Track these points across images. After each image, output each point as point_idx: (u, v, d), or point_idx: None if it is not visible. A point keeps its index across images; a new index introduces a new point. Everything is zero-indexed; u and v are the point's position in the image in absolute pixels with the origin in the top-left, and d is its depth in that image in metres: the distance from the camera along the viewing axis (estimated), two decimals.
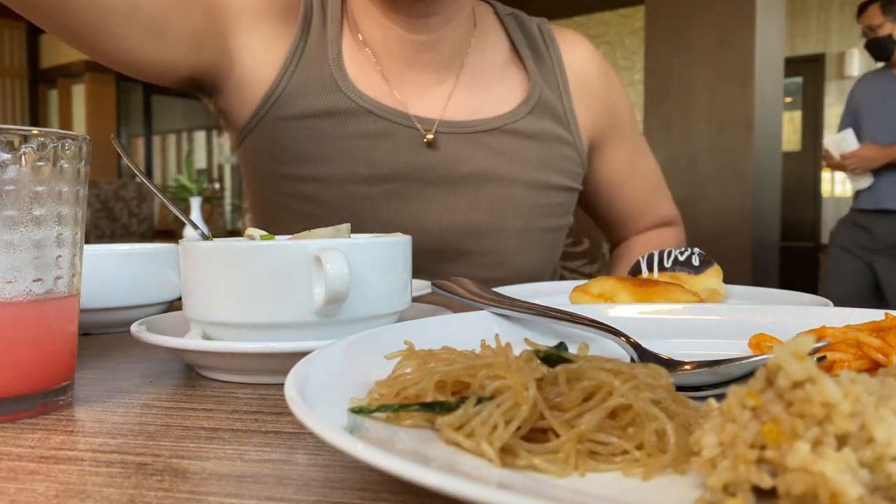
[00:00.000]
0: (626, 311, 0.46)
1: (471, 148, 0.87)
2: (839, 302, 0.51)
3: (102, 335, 0.60)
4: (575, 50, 0.97)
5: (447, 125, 0.86)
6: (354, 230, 0.89)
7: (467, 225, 0.87)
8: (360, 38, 0.88)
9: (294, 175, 0.86)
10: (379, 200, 0.85)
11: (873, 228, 2.83)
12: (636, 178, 1.02)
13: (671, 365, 0.35)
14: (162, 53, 0.78)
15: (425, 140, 0.85)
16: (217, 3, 0.81)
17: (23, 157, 0.34)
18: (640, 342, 0.39)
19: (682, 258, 0.63)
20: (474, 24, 0.92)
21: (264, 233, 0.51)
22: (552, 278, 1.01)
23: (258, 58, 0.84)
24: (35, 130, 0.34)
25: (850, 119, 2.96)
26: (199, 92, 0.89)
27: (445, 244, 0.87)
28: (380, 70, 0.87)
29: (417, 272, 0.86)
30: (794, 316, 0.43)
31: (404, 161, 0.85)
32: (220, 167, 8.34)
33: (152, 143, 8.18)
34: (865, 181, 2.89)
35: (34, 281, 0.35)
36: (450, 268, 0.88)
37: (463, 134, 0.87)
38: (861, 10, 2.90)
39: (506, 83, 0.91)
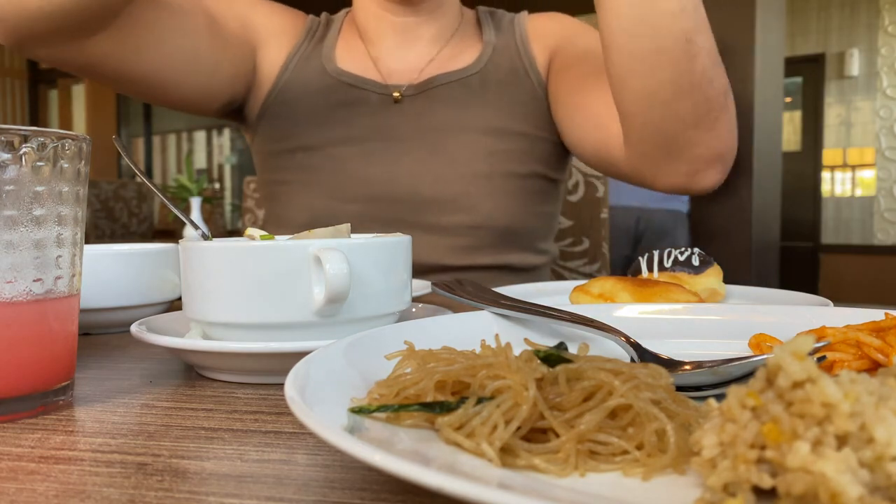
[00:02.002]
0: (626, 311, 0.46)
1: (431, 103, 0.96)
2: None
3: (102, 335, 0.60)
4: (540, 16, 1.04)
5: (414, 87, 0.97)
6: (336, 188, 0.95)
7: (434, 173, 0.95)
8: (359, 32, 1.01)
9: (290, 148, 0.98)
10: (355, 159, 0.95)
11: None
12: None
13: (671, 365, 0.35)
14: (211, 90, 0.94)
15: (393, 97, 0.96)
16: (247, 31, 0.96)
17: (23, 157, 0.34)
18: (640, 342, 0.39)
19: (682, 258, 0.63)
20: (461, 18, 1.03)
21: (264, 233, 0.51)
22: (537, 234, 1.02)
23: (269, 63, 0.99)
24: (35, 130, 0.34)
25: None
26: (233, 115, 1.03)
27: (416, 194, 0.95)
28: (369, 54, 1.00)
29: (395, 223, 0.92)
30: (794, 316, 0.43)
31: (375, 121, 0.96)
32: (220, 167, 8.33)
33: (152, 143, 8.17)
34: None
35: (34, 281, 0.35)
36: (425, 216, 0.95)
37: (425, 91, 0.97)
38: None
39: (468, 50, 1.00)
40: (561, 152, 1.02)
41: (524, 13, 1.04)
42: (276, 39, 0.99)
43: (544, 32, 1.00)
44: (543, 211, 1.02)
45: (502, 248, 0.97)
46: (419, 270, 0.94)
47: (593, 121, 0.88)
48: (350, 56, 0.99)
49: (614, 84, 0.77)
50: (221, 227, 5.46)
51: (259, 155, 1.04)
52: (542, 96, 0.98)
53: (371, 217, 0.94)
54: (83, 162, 0.38)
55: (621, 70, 0.75)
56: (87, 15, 0.74)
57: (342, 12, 1.06)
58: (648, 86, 0.73)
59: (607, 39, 0.74)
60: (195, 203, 3.67)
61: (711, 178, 0.81)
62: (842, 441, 0.20)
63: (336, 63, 0.98)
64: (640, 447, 0.25)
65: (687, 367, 0.35)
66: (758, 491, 0.21)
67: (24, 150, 0.34)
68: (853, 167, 5.40)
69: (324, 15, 1.05)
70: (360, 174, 0.95)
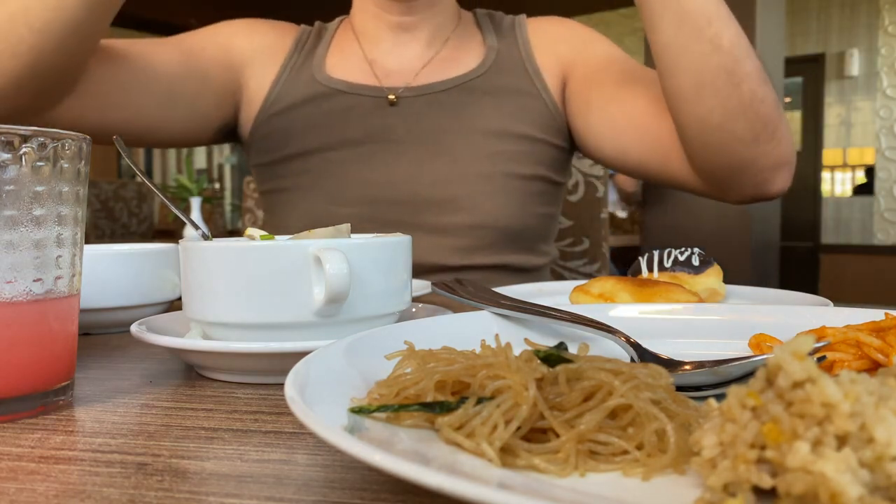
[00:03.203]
0: (626, 311, 0.46)
1: (430, 105, 0.96)
2: None
3: (102, 335, 0.60)
4: (542, 21, 1.04)
5: (411, 90, 0.97)
6: (333, 191, 0.96)
7: (432, 174, 0.95)
8: (356, 35, 1.02)
9: (284, 156, 0.98)
10: (352, 162, 0.95)
11: None
12: (636, 76, 0.93)
13: (671, 365, 0.35)
14: (199, 122, 0.96)
15: (388, 100, 0.96)
16: (227, 55, 0.97)
17: (23, 157, 0.34)
18: (640, 342, 0.39)
19: (682, 258, 0.63)
20: (458, 19, 1.03)
21: (264, 233, 0.51)
22: (538, 235, 1.02)
23: (258, 80, 0.99)
24: (35, 130, 0.34)
25: None
26: (228, 137, 1.04)
27: (416, 195, 0.95)
28: (364, 57, 1.00)
29: (395, 225, 0.92)
30: (794, 316, 0.43)
31: (371, 124, 0.96)
32: (220, 167, 8.34)
33: None
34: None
35: (34, 281, 0.35)
36: (424, 217, 0.95)
37: (423, 95, 0.96)
38: None
39: (469, 54, 1.00)
40: (564, 155, 1.01)
41: (523, 17, 1.04)
42: (262, 57, 0.99)
43: (552, 38, 1.00)
44: (545, 212, 1.02)
45: (503, 249, 0.97)
46: (419, 271, 0.94)
47: (646, 137, 0.87)
48: (344, 61, 0.99)
49: (670, 110, 0.79)
50: (221, 227, 5.46)
51: (256, 168, 1.04)
52: (548, 101, 0.97)
53: (370, 219, 0.94)
54: (83, 162, 0.38)
55: (670, 100, 0.77)
56: (43, 84, 0.76)
57: (336, 20, 1.06)
58: (698, 113, 0.75)
59: (658, 70, 0.78)
60: (195, 203, 3.67)
61: (781, 183, 0.82)
62: (842, 441, 0.20)
63: (327, 71, 0.98)
64: (640, 447, 0.25)
65: (687, 367, 0.35)
66: (758, 491, 0.21)
67: (24, 150, 0.34)
68: (853, 167, 5.40)
69: (317, 24, 1.06)
70: (358, 177, 0.95)
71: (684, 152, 0.83)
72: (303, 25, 1.05)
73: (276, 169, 0.99)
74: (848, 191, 5.40)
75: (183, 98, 0.92)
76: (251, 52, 0.99)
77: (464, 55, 0.99)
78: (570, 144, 1.01)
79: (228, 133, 1.03)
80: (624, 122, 0.90)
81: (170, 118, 0.92)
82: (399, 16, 0.98)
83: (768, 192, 0.83)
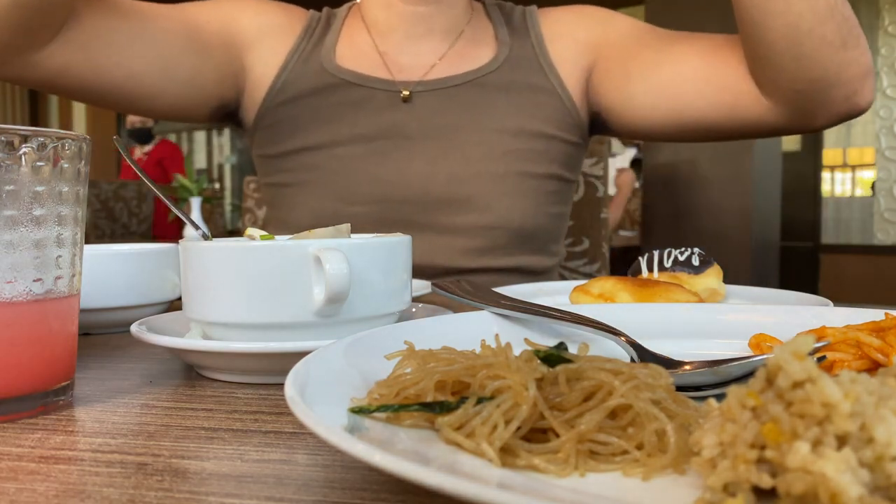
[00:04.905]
0: (626, 311, 0.46)
1: (444, 102, 0.94)
2: None
3: (102, 335, 0.60)
4: (554, 11, 1.01)
5: (424, 85, 0.94)
6: (342, 188, 0.94)
7: (446, 173, 0.92)
8: (366, 26, 0.98)
9: (291, 149, 0.95)
10: (362, 158, 0.92)
11: None
12: (677, 44, 0.91)
13: (671, 365, 0.35)
14: (195, 97, 0.92)
15: (401, 96, 0.93)
16: (231, 32, 0.94)
17: (23, 157, 0.34)
18: (640, 342, 0.39)
19: (682, 258, 0.63)
20: (472, 11, 1.00)
21: (264, 233, 0.51)
22: (550, 236, 1.00)
23: (264, 64, 0.96)
24: (35, 130, 0.34)
25: None
26: (227, 119, 1.01)
27: (428, 194, 0.92)
28: (376, 48, 0.97)
29: (406, 225, 0.90)
30: (794, 316, 0.43)
31: (383, 120, 0.93)
32: (220, 167, 8.34)
33: None
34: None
35: (34, 281, 0.35)
36: (436, 217, 0.92)
37: (437, 90, 0.94)
38: None
39: (482, 48, 0.98)
40: (578, 152, 1.00)
41: (534, 8, 1.02)
42: (269, 40, 0.95)
43: (568, 27, 0.98)
44: (557, 212, 1.00)
45: (515, 250, 0.95)
46: (431, 273, 0.91)
47: (709, 87, 0.86)
48: (354, 52, 0.96)
49: (755, 32, 0.77)
50: (221, 227, 5.46)
51: (259, 158, 1.01)
52: (563, 96, 0.95)
53: (379, 219, 0.91)
54: (83, 162, 0.38)
55: (759, 14, 0.76)
56: (24, 14, 0.74)
57: (345, 7, 1.02)
58: (789, 20, 0.75)
59: None
60: (195, 203, 3.67)
61: (868, 94, 0.81)
62: (842, 441, 0.20)
63: (337, 61, 0.95)
64: (640, 447, 0.25)
65: (687, 367, 0.35)
66: (758, 491, 0.21)
67: (24, 150, 0.34)
68: (853, 167, 5.40)
69: (325, 10, 1.02)
70: (368, 174, 0.92)
71: (771, 78, 0.80)
72: (311, 10, 1.02)
73: (282, 162, 0.96)
74: (848, 191, 5.41)
75: (180, 70, 0.89)
76: (256, 33, 0.95)
77: (477, 49, 0.97)
78: (584, 140, 1.00)
79: (227, 115, 0.99)
80: (678, 82, 0.88)
81: (164, 88, 0.89)
82: (413, 6, 0.94)
83: (858, 104, 0.81)
